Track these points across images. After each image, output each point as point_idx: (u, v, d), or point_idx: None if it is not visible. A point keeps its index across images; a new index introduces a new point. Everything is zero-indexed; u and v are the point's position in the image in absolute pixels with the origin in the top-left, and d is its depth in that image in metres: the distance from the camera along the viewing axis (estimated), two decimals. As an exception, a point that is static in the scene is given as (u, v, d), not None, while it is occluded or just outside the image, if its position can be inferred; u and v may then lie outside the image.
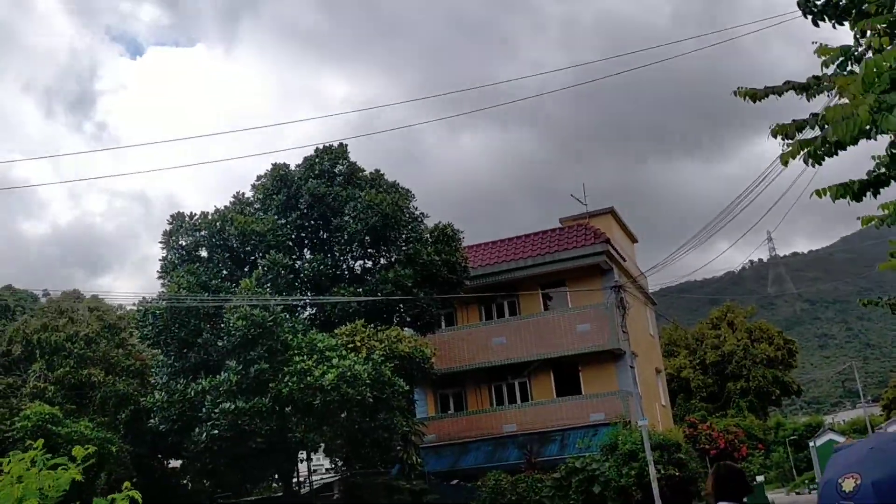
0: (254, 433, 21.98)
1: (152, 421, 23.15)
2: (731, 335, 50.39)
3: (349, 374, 21.90)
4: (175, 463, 31.11)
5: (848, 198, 6.11)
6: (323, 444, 22.71)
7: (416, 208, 29.78)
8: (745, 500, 5.23)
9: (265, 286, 24.11)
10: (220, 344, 22.83)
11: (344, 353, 22.94)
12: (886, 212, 6.64)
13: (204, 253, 27.10)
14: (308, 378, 21.84)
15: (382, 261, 28.24)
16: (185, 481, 32.33)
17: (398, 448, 25.17)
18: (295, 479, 28.88)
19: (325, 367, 22.02)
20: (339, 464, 33.33)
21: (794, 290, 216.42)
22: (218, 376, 22.36)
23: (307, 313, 27.27)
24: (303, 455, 28.70)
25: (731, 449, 30.83)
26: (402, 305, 27.27)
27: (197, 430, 22.25)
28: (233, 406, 21.74)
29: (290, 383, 21.86)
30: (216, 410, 21.75)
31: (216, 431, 21.79)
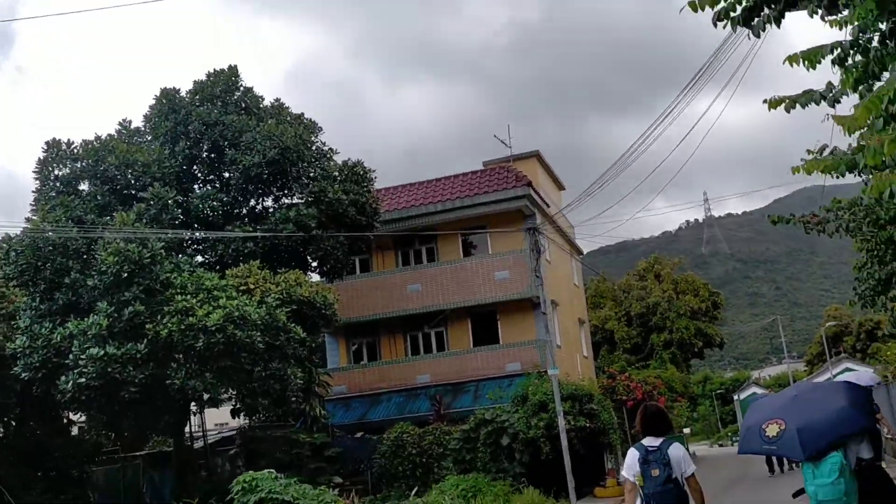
0: (127, 382, 19.86)
1: (16, 368, 20.79)
2: (656, 287, 49.75)
3: (237, 314, 19.92)
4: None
5: (733, 22, 4.39)
6: (205, 394, 20.71)
7: (325, 143, 27.61)
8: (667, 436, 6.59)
9: (146, 222, 21.77)
10: (90, 283, 20.52)
11: (234, 294, 20.91)
12: (794, 65, 4.93)
13: (84, 186, 24.53)
14: (190, 318, 19.76)
15: (285, 200, 26.07)
16: (85, 434, 30.09)
17: (293, 399, 23.40)
18: (190, 432, 26.94)
19: (210, 307, 19.97)
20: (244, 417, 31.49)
21: (727, 250, 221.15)
22: (86, 319, 20.09)
23: (199, 259, 24.92)
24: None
25: (648, 400, 29.92)
26: (305, 248, 25.21)
27: (63, 378, 20.00)
28: (102, 352, 19.50)
29: (169, 324, 19.73)
30: (83, 357, 19.53)
31: (83, 380, 19.55)
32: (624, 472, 6.71)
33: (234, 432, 28.02)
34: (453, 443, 23.93)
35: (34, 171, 23.92)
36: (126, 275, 20.09)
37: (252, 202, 25.75)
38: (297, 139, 24.34)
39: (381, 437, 25.26)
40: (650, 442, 6.52)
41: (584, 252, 41.76)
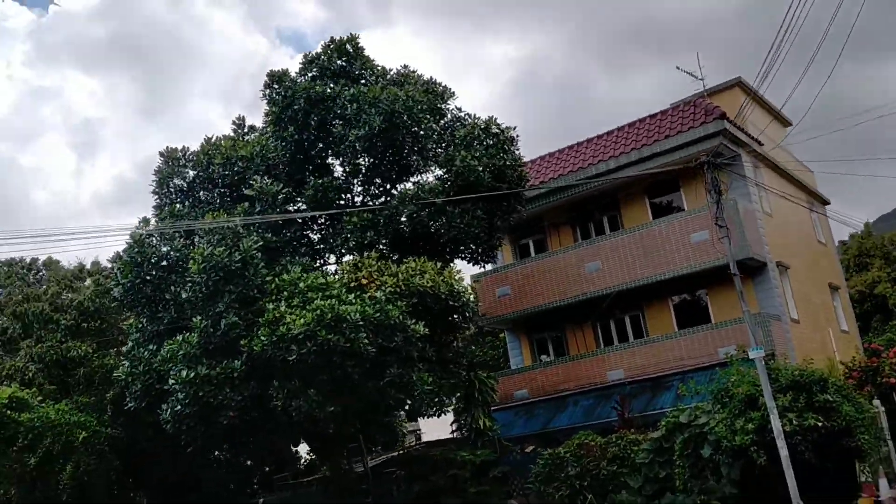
0: (224, 406, 17.14)
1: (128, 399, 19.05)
2: (942, 233, 38.55)
3: (330, 315, 16.39)
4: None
5: None
6: (312, 413, 17.25)
7: (460, 109, 23.47)
8: None
9: (243, 222, 19.04)
10: (184, 297, 18.18)
11: (337, 292, 17.44)
12: None
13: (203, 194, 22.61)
14: (281, 328, 16.61)
15: (412, 179, 22.26)
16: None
17: (429, 412, 19.37)
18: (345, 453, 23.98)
19: (299, 312, 16.69)
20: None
21: None
22: (177, 337, 17.76)
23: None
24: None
25: (929, 379, 21.84)
26: (437, 230, 21.13)
27: (164, 406, 17.78)
28: (192, 373, 17.02)
29: (262, 336, 16.77)
30: (173, 381, 17.16)
31: (178, 407, 17.19)
32: None
33: (397, 454, 24.69)
34: (641, 455, 18.42)
35: (151, 184, 22.37)
36: (212, 283, 17.48)
37: (373, 185, 22.23)
38: (408, 102, 20.40)
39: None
40: None
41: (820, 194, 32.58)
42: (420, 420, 41.72)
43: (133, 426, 20.26)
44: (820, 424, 15.49)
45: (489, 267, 26.55)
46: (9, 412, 18.48)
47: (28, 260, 29.91)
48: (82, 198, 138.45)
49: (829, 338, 27.36)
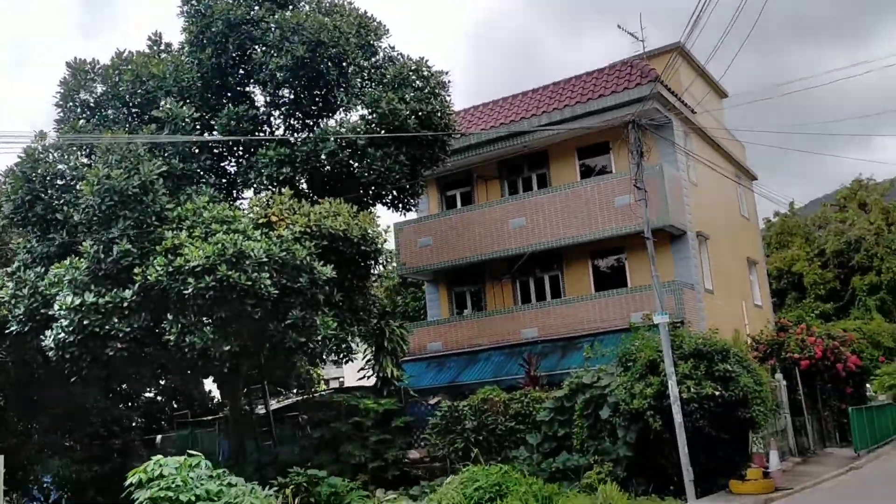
0: (111, 336, 16.24)
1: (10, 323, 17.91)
2: (861, 218, 39.45)
3: (231, 251, 15.58)
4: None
5: None
6: (206, 350, 16.52)
7: (393, 48, 22.49)
8: None
9: (146, 143, 17.90)
10: (76, 219, 17.08)
11: (244, 227, 16.60)
12: None
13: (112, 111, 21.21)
14: (178, 259, 15.72)
15: (336, 115, 21.32)
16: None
17: (336, 358, 18.86)
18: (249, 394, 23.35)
19: (200, 243, 15.83)
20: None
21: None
22: (65, 261, 16.72)
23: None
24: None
25: (832, 359, 22.30)
26: (359, 171, 20.30)
27: (48, 332, 16.76)
28: (78, 300, 16.03)
29: (156, 266, 15.85)
30: (58, 306, 16.16)
31: (62, 334, 16.21)
32: None
33: (300, 399, 24.18)
34: (543, 413, 18.31)
35: (55, 95, 20.84)
36: (107, 208, 16.43)
37: (295, 118, 21.24)
38: (335, 33, 19.36)
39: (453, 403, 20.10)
40: None
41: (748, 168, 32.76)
42: (344, 367, 41.29)
43: (19, 351, 19.12)
44: (717, 393, 15.56)
45: (413, 216, 26.07)
46: None
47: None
48: (14, 119, 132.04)
49: (742, 310, 27.76)
